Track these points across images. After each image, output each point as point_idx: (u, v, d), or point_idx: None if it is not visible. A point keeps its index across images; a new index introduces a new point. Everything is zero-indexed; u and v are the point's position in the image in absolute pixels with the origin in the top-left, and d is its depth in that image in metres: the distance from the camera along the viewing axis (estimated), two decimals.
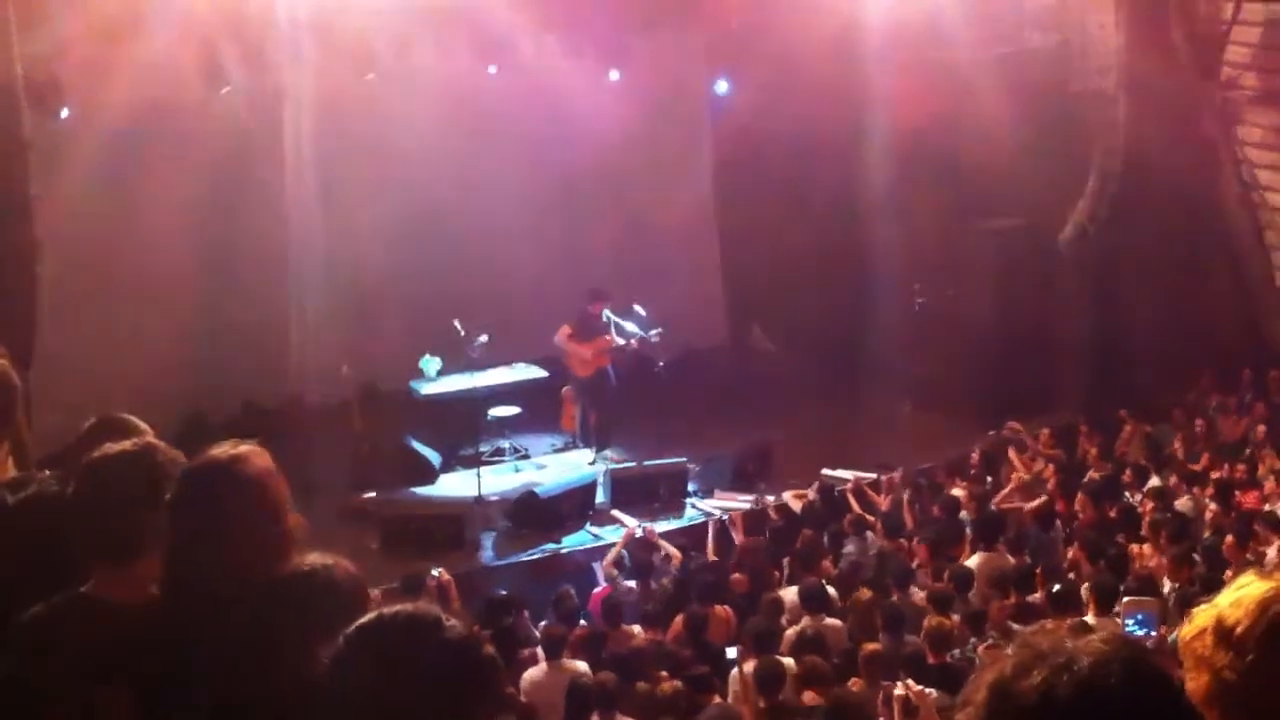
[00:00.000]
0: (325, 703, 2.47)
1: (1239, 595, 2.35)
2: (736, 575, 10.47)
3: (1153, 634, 6.49)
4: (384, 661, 2.44)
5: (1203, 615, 2.40)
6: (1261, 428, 13.07)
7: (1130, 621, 6.58)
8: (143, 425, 4.56)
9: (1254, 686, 2.25)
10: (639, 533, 11.40)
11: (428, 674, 2.43)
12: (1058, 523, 11.12)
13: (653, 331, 13.82)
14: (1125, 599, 7.65)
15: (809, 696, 7.35)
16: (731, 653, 8.64)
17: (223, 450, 3.37)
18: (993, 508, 11.31)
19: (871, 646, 8.00)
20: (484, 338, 13.62)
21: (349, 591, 3.21)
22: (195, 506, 3.32)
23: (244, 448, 3.39)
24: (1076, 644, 1.78)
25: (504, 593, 10.02)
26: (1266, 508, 10.67)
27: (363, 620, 2.53)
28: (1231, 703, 2.19)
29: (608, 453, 14.05)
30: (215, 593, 3.22)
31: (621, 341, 13.90)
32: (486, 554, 11.98)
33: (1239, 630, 2.29)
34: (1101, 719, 1.73)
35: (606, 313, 13.90)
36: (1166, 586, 8.96)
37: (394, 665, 2.43)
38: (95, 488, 3.65)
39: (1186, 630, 2.42)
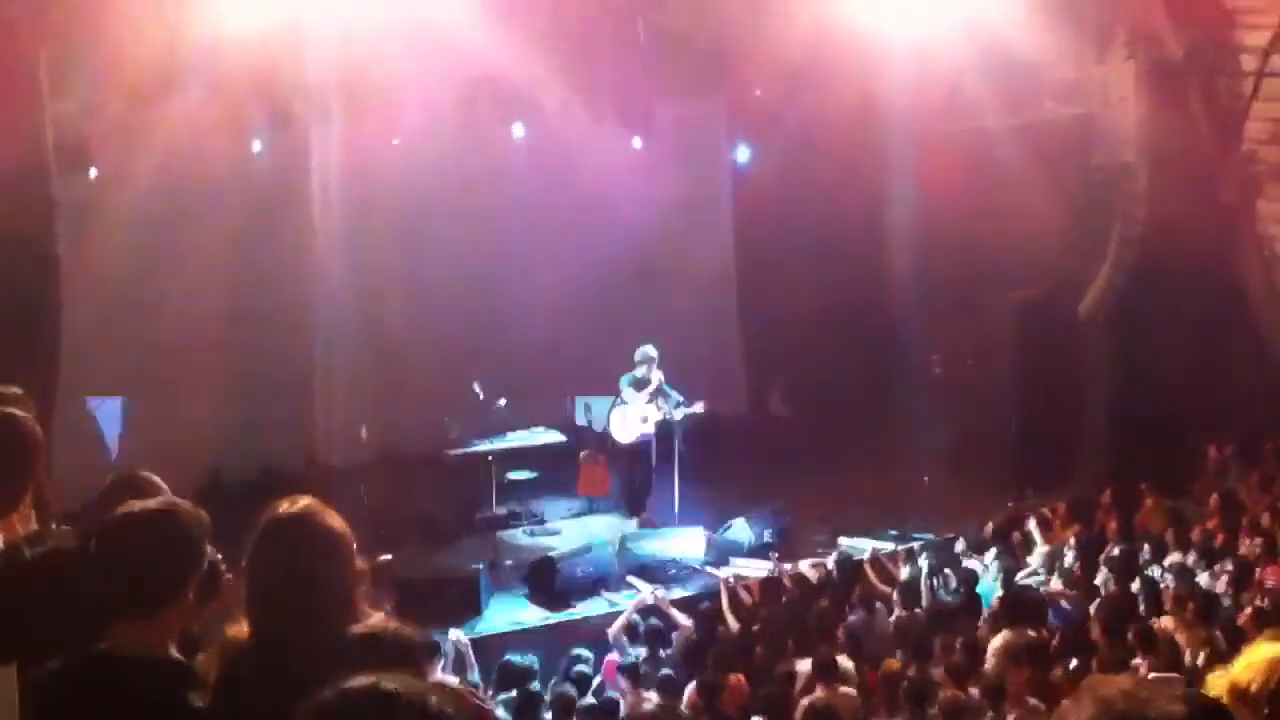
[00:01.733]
0: None
1: (1251, 659, 2.41)
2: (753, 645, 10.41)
3: None
4: None
5: (1218, 682, 2.45)
6: None
7: None
8: (162, 484, 4.59)
9: None
10: (651, 599, 11.34)
11: None
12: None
13: (697, 404, 13.80)
14: (1150, 676, 7.58)
15: None
16: None
17: (295, 503, 3.44)
18: (1017, 582, 11.24)
19: None
20: (502, 401, 13.66)
21: (407, 653, 3.25)
22: (282, 555, 3.38)
23: (306, 500, 3.46)
24: (1154, 707, 1.79)
25: (517, 658, 9.95)
26: None
27: (339, 689, 2.50)
28: None
29: (644, 515, 14.00)
30: (300, 642, 3.27)
31: (670, 410, 13.86)
32: (502, 619, 11.92)
33: (1253, 689, 2.36)
34: None
35: (657, 378, 13.87)
36: (1188, 659, 8.88)
37: None
38: (119, 545, 3.66)
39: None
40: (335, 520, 3.45)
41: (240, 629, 3.55)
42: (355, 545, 3.49)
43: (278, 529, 3.41)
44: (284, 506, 3.43)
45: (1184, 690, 1.86)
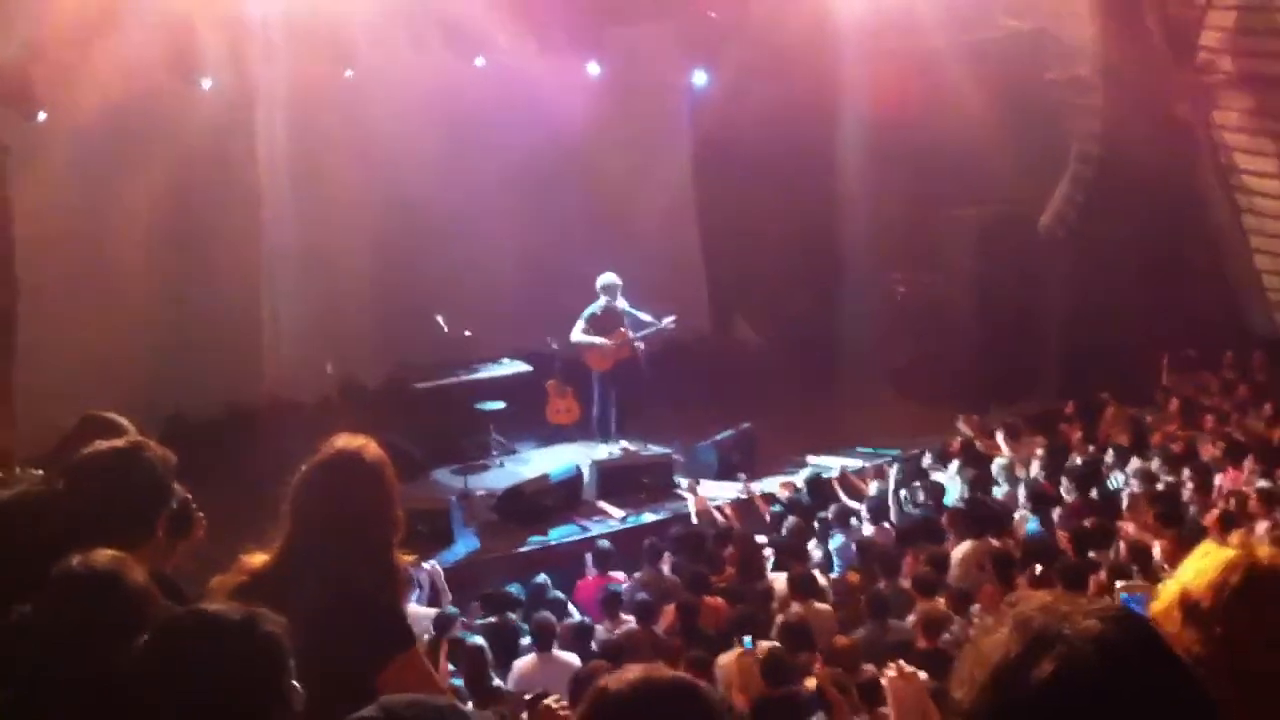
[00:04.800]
0: (129, 694, 2.66)
1: (1200, 566, 2.38)
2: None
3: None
4: (178, 660, 2.65)
5: (1169, 590, 2.43)
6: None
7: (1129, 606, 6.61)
8: (128, 424, 4.56)
9: (1223, 658, 2.28)
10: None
11: (216, 673, 2.62)
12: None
13: (666, 320, 13.72)
14: (1119, 584, 7.68)
15: (810, 684, 7.32)
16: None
17: (354, 440, 3.85)
18: (980, 496, 11.36)
19: (843, 640, 8.00)
20: (467, 333, 13.62)
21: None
22: (336, 487, 3.75)
23: (362, 439, 3.84)
24: (1076, 624, 1.75)
25: (507, 588, 9.96)
26: (1253, 486, 10.71)
27: (172, 616, 2.77)
28: (1204, 677, 2.21)
29: (624, 443, 13.88)
30: (327, 567, 3.60)
31: (634, 335, 13.73)
32: (474, 548, 11.95)
33: (1204, 605, 2.33)
34: (1109, 708, 1.72)
35: (623, 304, 13.79)
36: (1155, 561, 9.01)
37: (186, 663, 2.64)
38: (86, 484, 3.64)
39: (1156, 607, 2.44)
40: (387, 467, 3.86)
41: (252, 559, 3.73)
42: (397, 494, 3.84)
43: (339, 462, 3.77)
44: (343, 441, 3.83)
45: (1104, 604, 1.83)
